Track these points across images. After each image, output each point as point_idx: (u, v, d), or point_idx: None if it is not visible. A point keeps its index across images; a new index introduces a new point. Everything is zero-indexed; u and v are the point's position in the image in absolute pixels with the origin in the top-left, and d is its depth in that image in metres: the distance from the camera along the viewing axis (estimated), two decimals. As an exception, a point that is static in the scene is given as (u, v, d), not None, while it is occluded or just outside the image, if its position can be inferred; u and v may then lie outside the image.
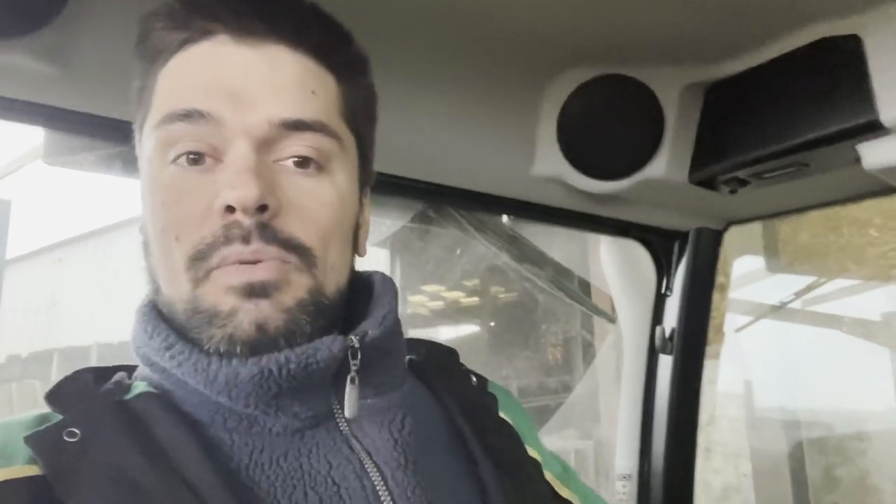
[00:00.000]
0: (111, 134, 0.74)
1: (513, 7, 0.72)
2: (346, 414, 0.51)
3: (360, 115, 0.57)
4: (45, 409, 0.50)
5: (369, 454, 0.51)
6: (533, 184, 0.97)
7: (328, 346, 0.49)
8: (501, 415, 0.64)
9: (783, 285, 2.30)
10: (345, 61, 0.56)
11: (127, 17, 0.65)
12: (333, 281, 0.52)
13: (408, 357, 0.62)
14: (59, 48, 0.64)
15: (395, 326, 0.56)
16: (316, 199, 0.51)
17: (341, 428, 0.52)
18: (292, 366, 0.47)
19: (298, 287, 0.49)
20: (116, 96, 0.70)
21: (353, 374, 0.51)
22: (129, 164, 0.87)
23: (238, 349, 0.47)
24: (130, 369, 0.55)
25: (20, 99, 0.68)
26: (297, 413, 0.50)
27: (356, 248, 0.58)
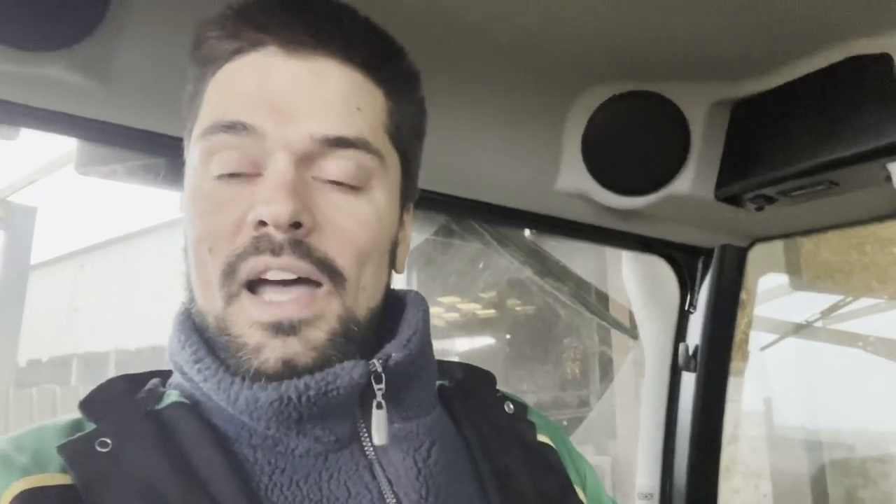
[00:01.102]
0: (144, 145, 0.76)
1: (540, 24, 0.73)
2: (375, 441, 0.50)
3: (406, 131, 0.57)
4: (69, 413, 0.51)
5: (390, 483, 0.50)
6: (557, 199, 0.97)
7: (349, 372, 0.48)
8: (541, 439, 0.63)
9: (805, 303, 2.27)
10: (394, 77, 0.55)
11: (162, 31, 0.66)
12: (364, 303, 0.52)
13: (438, 382, 0.60)
14: (97, 61, 0.65)
15: (423, 348, 0.55)
16: (353, 218, 0.50)
17: (367, 452, 0.51)
18: (311, 392, 0.47)
19: (330, 318, 0.49)
20: (151, 108, 0.72)
21: (379, 399, 0.50)
22: (161, 174, 0.89)
23: (262, 381, 0.47)
24: (164, 374, 0.56)
25: (58, 110, 0.70)
26: (319, 437, 0.49)
27: (393, 265, 0.57)
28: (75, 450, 0.45)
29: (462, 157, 0.89)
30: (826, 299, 2.24)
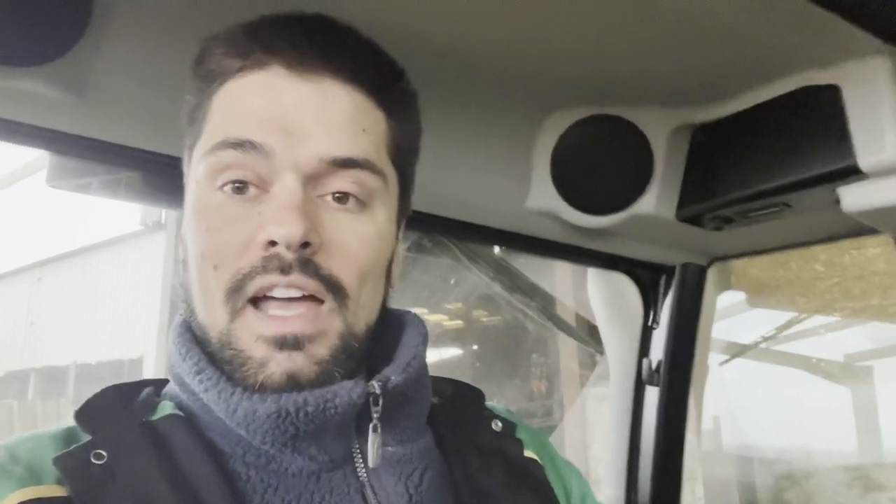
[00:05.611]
0: (120, 159, 0.76)
1: (511, 51, 0.75)
2: (370, 464, 0.50)
3: (404, 151, 0.58)
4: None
5: None
6: (526, 217, 0.99)
7: (348, 391, 0.48)
8: (528, 455, 0.63)
9: (738, 321, 2.35)
10: (395, 98, 0.56)
11: (141, 48, 0.67)
12: (363, 319, 0.52)
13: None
14: (76, 76, 0.66)
15: (421, 372, 0.55)
16: (356, 236, 0.51)
17: (359, 474, 0.51)
18: (310, 408, 0.47)
19: (332, 335, 0.49)
20: (128, 123, 0.73)
21: (375, 422, 0.50)
22: (134, 188, 0.89)
23: (267, 393, 0.48)
24: (157, 384, 0.56)
25: (34, 124, 0.70)
26: (313, 456, 0.50)
27: (389, 281, 0.58)
28: (71, 462, 0.46)
29: (434, 176, 0.91)
30: (756, 315, 2.33)
